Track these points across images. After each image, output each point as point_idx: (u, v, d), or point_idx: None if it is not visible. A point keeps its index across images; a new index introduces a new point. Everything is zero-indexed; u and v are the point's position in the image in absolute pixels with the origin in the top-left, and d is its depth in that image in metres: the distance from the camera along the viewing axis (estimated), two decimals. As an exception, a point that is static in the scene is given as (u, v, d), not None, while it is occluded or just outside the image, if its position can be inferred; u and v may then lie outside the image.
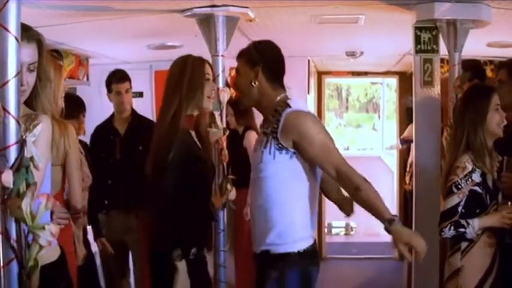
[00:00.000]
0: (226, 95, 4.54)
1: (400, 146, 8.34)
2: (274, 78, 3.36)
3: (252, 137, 5.88)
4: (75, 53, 6.50)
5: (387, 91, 12.59)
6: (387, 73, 9.35)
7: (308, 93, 7.91)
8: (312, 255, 3.29)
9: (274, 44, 3.48)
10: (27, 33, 2.67)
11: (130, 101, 5.56)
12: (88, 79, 7.02)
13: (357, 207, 3.40)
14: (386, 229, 3.02)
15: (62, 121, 3.47)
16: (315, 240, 3.34)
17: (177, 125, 3.42)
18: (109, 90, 5.49)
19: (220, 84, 4.52)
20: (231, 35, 4.61)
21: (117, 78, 5.48)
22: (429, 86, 4.66)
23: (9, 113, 1.91)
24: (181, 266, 3.35)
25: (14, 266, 1.92)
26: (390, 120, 11.94)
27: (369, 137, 14.83)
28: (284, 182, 3.22)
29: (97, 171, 4.87)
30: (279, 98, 3.34)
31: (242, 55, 3.44)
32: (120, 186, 5.32)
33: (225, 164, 4.41)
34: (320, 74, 9.29)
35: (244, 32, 5.33)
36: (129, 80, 5.56)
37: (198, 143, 3.61)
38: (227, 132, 4.35)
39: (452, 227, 3.58)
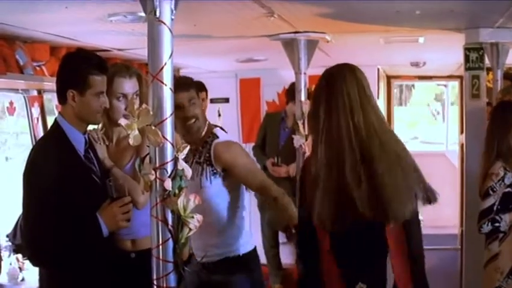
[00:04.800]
0: (307, 106, 4.81)
1: (463, 141, 8.49)
2: None
3: None
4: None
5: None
6: (450, 77, 9.55)
7: (378, 98, 8.17)
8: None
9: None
10: (129, 70, 3.34)
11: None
12: (179, 87, 7.70)
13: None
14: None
15: None
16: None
17: None
18: None
19: (302, 98, 4.93)
20: (312, 55, 4.96)
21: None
22: (476, 98, 5.04)
23: (167, 139, 2.30)
24: None
25: (170, 243, 2.35)
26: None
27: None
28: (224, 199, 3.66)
29: None
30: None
31: None
32: None
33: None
34: (389, 78, 9.59)
35: (322, 48, 5.60)
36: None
37: None
38: (309, 139, 4.64)
39: (490, 223, 4.17)
